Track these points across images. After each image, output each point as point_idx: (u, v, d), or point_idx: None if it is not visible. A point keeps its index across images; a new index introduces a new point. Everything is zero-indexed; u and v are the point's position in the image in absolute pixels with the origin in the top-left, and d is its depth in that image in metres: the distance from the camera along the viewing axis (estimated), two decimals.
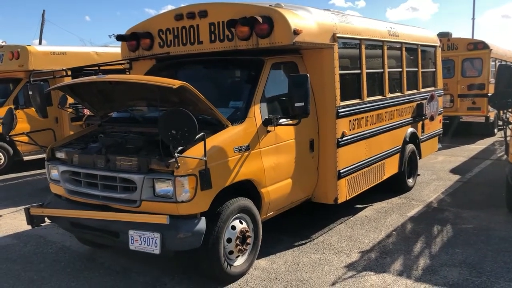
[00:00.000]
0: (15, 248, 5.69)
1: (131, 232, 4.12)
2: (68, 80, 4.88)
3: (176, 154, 3.81)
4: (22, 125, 10.44)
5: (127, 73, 6.84)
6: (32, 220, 4.89)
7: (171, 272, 4.77)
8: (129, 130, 4.99)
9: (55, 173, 4.89)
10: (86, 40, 76.15)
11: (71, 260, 5.23)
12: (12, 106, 10.36)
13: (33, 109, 10.66)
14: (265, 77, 4.98)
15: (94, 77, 4.69)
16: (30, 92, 5.34)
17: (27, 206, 4.97)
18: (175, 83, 3.98)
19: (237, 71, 5.44)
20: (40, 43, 30.29)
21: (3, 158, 10.51)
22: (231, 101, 4.94)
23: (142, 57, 5.94)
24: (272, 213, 5.15)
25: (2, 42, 12.19)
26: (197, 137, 3.91)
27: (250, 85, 4.92)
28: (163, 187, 4.09)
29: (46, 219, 4.92)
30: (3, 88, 11.09)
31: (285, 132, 5.08)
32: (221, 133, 4.41)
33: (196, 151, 4.05)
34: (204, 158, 3.97)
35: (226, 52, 5.17)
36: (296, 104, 4.58)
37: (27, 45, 10.89)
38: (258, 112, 4.78)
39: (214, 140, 4.30)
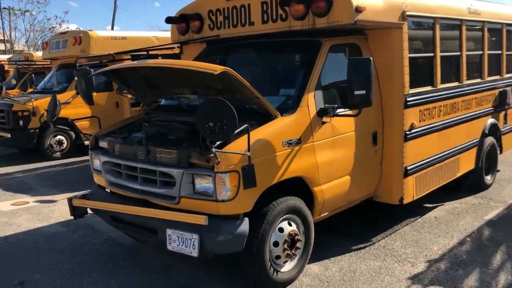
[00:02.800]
0: (62, 237, 5.61)
1: (168, 231, 3.79)
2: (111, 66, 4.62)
3: (214, 149, 3.39)
4: (83, 109, 10.61)
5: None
6: (75, 211, 4.72)
7: (214, 274, 4.41)
8: (173, 119, 4.66)
9: (97, 163, 4.67)
10: (153, 25, 78.04)
11: (115, 253, 5.04)
12: (75, 92, 10.49)
13: (94, 94, 11.02)
14: (321, 61, 4.42)
15: (135, 62, 4.38)
16: (76, 78, 5.16)
17: (71, 196, 4.82)
18: (217, 68, 3.55)
19: (290, 55, 4.91)
20: (112, 28, 31.26)
21: (65, 142, 10.71)
22: (282, 89, 4.44)
23: (192, 40, 5.57)
24: (326, 213, 4.63)
25: (67, 28, 12.38)
26: (240, 129, 3.48)
27: (304, 70, 4.40)
28: (203, 183, 3.71)
29: (89, 210, 4.75)
30: (67, 74, 11.28)
31: (343, 124, 4.51)
32: (268, 125, 3.94)
33: (239, 145, 3.62)
34: (248, 153, 3.52)
35: (279, 33, 4.67)
36: (356, 92, 4.00)
37: (89, 30, 10.96)
38: (312, 101, 4.25)
39: (260, 133, 3.84)
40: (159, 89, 4.89)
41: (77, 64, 5.23)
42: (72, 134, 10.73)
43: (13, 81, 16.58)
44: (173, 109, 4.95)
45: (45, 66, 15.11)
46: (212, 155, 3.53)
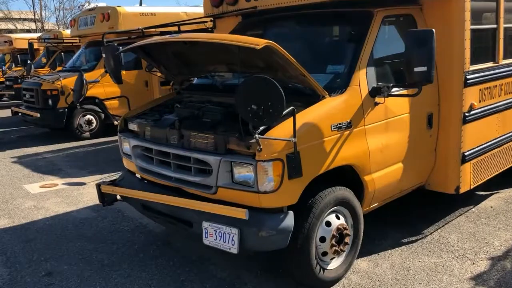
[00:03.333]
0: (92, 223, 5.35)
1: (205, 224, 3.43)
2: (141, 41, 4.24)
3: (257, 135, 2.98)
4: (112, 88, 10.36)
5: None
6: (103, 198, 4.43)
7: (255, 269, 4.05)
8: (208, 100, 4.26)
9: (127, 147, 4.34)
10: (181, 2, 77.34)
11: (146, 242, 4.74)
12: (103, 70, 10.23)
13: (123, 72, 10.73)
14: (374, 34, 3.92)
15: (166, 36, 3.97)
16: (104, 55, 4.81)
17: (99, 181, 4.52)
18: (259, 42, 3.11)
19: (338, 28, 4.41)
20: (140, 4, 30.93)
21: (95, 122, 10.51)
22: (329, 65, 3.97)
23: (226, 13, 5.13)
24: (376, 204, 4.19)
25: (96, 5, 12.08)
26: (285, 112, 3.06)
27: (354, 45, 3.91)
28: (242, 172, 3.32)
29: (119, 197, 4.44)
30: (95, 51, 11.01)
31: (397, 105, 4.03)
32: (315, 107, 3.50)
33: (283, 130, 3.20)
34: (293, 139, 3.10)
35: (324, 4, 4.18)
36: (417, 69, 3.50)
37: (117, 6, 10.62)
38: (363, 79, 3.78)
39: (307, 116, 3.41)
40: (192, 66, 4.49)
41: (105, 40, 4.87)
42: (101, 113, 10.51)
43: (43, 60, 16.52)
44: (207, 88, 4.55)
45: (74, 44, 14.91)
46: (254, 141, 3.14)
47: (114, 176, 4.62)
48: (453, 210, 5.21)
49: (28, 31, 33.25)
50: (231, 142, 3.38)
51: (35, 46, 17.64)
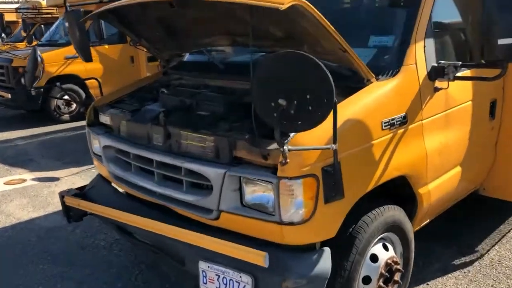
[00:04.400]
0: (60, 234, 4.31)
1: (202, 265, 2.41)
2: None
3: (287, 147, 1.93)
4: (94, 65, 9.21)
5: None
6: (69, 213, 3.38)
7: None
8: (204, 83, 3.20)
9: (96, 145, 3.28)
10: None
11: (126, 264, 3.72)
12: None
13: (105, 46, 9.55)
14: None
15: None
16: (67, 24, 3.68)
17: (63, 191, 3.47)
18: (283, 1, 2.03)
19: None
20: None
21: (74, 103, 9.36)
22: (372, 36, 2.89)
23: None
24: (427, 221, 3.20)
25: None
26: None
27: (407, 8, 2.83)
28: (257, 192, 2.29)
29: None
30: None
31: (458, 90, 2.98)
32: (360, 95, 2.44)
33: (315, 132, 2.15)
34: (333, 146, 2.06)
35: None
36: (502, 41, 2.44)
37: None
38: (421, 56, 2.72)
39: (349, 109, 2.36)
40: (181, 38, 3.39)
41: (67, 5, 3.74)
42: (82, 93, 9.36)
43: (23, 33, 15.22)
44: (202, 68, 3.48)
45: (54, 15, 13.61)
46: (274, 148, 2.11)
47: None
48: (503, 219, 4.21)
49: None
50: (239, 147, 2.34)
51: (14, 18, 16.29)
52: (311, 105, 1.76)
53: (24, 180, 5.90)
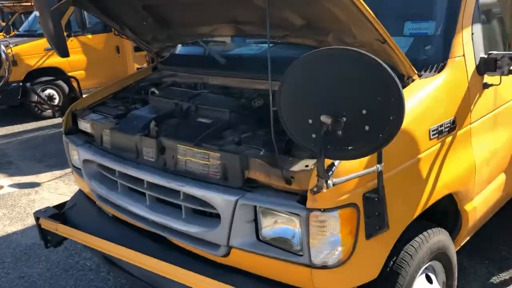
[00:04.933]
0: (40, 253, 3.79)
1: None
2: None
3: (331, 180, 1.42)
4: (77, 57, 8.63)
5: None
6: (46, 236, 2.87)
7: None
8: (202, 82, 2.69)
9: (76, 157, 2.76)
10: None
11: None
12: (64, 33, 8.42)
13: (89, 36, 8.93)
14: None
15: None
16: (37, 13, 3.13)
17: (39, 210, 2.96)
18: None
19: None
20: None
21: (57, 97, 8.75)
22: (408, 22, 2.37)
23: None
24: (467, 238, 2.74)
25: None
26: None
27: None
28: (278, 225, 1.80)
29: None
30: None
31: (504, 85, 2.49)
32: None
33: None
34: (378, 166, 1.57)
35: None
36: None
37: None
38: (469, 46, 2.23)
39: None
40: (173, 27, 2.86)
41: None
42: (65, 87, 8.76)
43: (1, 23, 14.45)
44: (199, 63, 2.95)
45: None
46: (300, 169, 1.62)
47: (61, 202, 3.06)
48: None
49: None
50: (253, 166, 1.85)
51: None
52: (368, 124, 1.27)
53: (1, 187, 5.35)
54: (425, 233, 2.11)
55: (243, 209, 1.82)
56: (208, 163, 1.98)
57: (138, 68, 8.80)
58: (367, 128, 1.27)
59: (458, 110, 2.13)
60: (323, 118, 1.28)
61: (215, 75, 2.66)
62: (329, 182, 1.39)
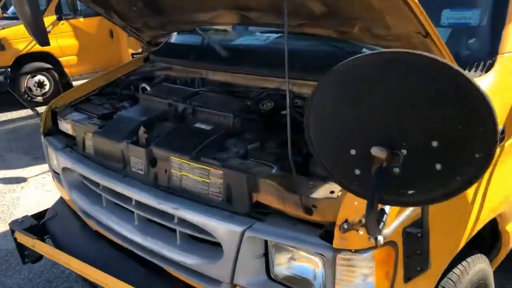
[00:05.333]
0: (20, 261, 3.45)
1: None
2: None
3: (382, 236, 1.07)
4: (69, 41, 8.22)
5: None
6: (23, 251, 2.53)
7: None
8: (201, 77, 2.32)
9: (56, 162, 2.41)
10: None
11: None
12: (55, 17, 8.04)
13: (80, 19, 8.50)
14: None
15: None
16: None
17: (15, 220, 2.61)
18: None
19: None
20: None
21: (48, 83, 8.35)
22: (446, 10, 2.00)
23: None
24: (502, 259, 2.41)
25: None
26: None
27: None
28: (295, 262, 1.46)
29: None
30: None
31: None
32: None
33: None
34: None
35: None
36: None
37: None
38: None
39: None
40: (168, 12, 2.48)
41: None
42: (55, 73, 8.34)
43: None
44: (197, 53, 2.57)
45: None
46: (325, 198, 1.28)
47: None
48: None
49: None
50: (263, 188, 1.50)
51: None
52: (441, 162, 0.91)
53: None
54: (464, 262, 1.78)
55: (251, 242, 1.48)
56: (208, 181, 1.63)
57: (132, 54, 8.48)
58: (438, 167, 0.91)
59: (508, 117, 1.78)
60: (375, 150, 0.92)
61: (215, 70, 2.29)
62: (379, 238, 1.04)
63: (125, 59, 8.49)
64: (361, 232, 1.14)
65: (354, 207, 1.28)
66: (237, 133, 1.77)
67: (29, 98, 8.27)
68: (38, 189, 4.79)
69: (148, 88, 2.35)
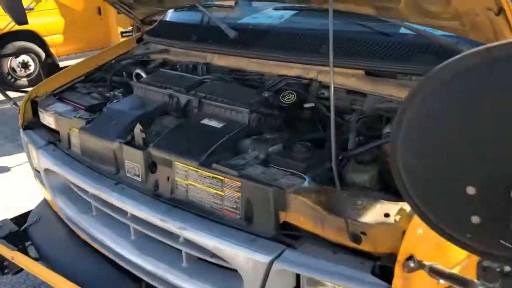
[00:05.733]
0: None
1: None
2: None
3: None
4: (54, 18, 7.80)
5: None
6: (1, 262, 2.22)
7: None
8: (206, 63, 1.99)
9: (37, 161, 2.08)
10: None
11: None
12: None
13: None
14: None
15: None
16: None
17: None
18: None
19: None
20: None
21: (33, 64, 7.91)
22: None
23: None
24: None
25: None
26: None
27: None
28: None
29: None
30: None
31: None
32: None
33: None
34: None
35: None
36: None
37: None
38: None
39: None
40: None
41: None
42: (42, 52, 7.90)
43: None
44: (200, 34, 2.22)
45: None
46: (378, 223, 0.97)
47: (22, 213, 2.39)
48: None
49: None
50: (294, 206, 1.20)
51: None
52: None
53: None
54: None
55: (280, 275, 1.18)
56: (222, 193, 1.32)
57: (122, 33, 8.06)
58: None
59: None
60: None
61: (222, 53, 1.96)
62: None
63: (114, 38, 8.09)
64: (442, 281, 0.84)
65: (420, 236, 0.98)
66: (254, 132, 1.46)
67: (12, 80, 7.86)
68: (22, 180, 4.45)
69: (143, 75, 2.02)
